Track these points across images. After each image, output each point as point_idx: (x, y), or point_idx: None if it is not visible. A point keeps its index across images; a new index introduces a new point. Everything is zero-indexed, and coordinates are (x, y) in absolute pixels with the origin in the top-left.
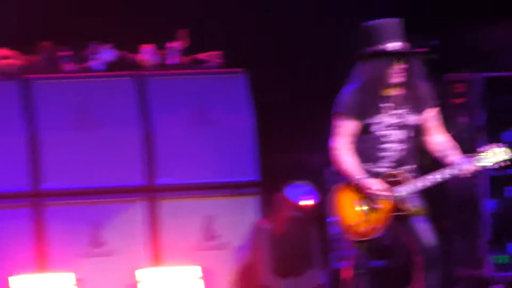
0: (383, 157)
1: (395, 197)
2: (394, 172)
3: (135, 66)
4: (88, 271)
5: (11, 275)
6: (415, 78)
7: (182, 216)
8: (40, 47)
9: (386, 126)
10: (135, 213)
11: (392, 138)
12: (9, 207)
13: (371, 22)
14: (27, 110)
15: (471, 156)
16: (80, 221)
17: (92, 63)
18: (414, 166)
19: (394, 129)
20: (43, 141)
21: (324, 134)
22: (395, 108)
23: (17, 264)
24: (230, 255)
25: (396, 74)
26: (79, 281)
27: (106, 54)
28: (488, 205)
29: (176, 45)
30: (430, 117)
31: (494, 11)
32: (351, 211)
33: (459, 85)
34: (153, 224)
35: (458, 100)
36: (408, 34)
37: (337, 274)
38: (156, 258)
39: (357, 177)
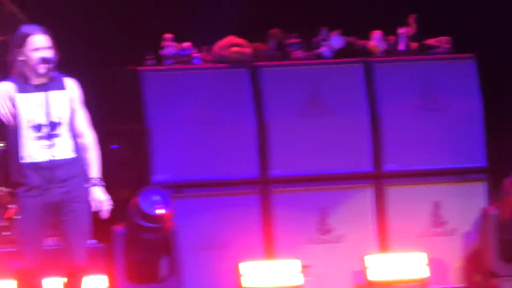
0: None
1: None
2: None
3: (363, 52)
4: (314, 258)
5: (241, 261)
6: None
7: (410, 202)
8: (269, 35)
9: None
10: (363, 199)
11: None
12: (238, 194)
13: None
14: (256, 97)
15: None
16: (308, 208)
17: (321, 50)
18: None
19: None
20: (271, 128)
21: None
22: None
23: (247, 250)
24: (457, 241)
25: None
26: (305, 267)
27: (335, 40)
28: None
29: (405, 31)
30: None
31: None
32: None
33: None
34: (381, 211)
35: None
36: None
37: None
38: (383, 244)
39: None
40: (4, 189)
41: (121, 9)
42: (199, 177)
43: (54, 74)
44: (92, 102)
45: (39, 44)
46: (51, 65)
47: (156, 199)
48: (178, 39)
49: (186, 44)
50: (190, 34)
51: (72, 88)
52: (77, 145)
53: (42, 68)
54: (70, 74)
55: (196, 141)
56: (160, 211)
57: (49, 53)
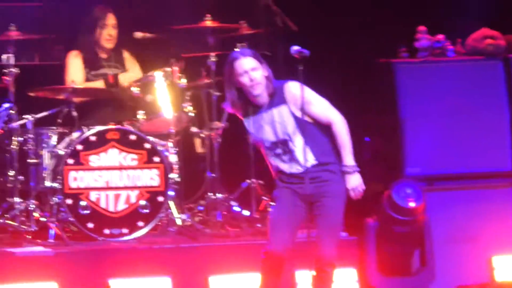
0: None
1: None
2: None
3: None
4: None
5: (493, 254)
6: None
7: None
8: None
9: None
10: None
11: None
12: (491, 187)
13: None
14: (510, 90)
15: None
16: None
17: None
18: None
19: None
20: None
21: None
22: None
23: (499, 243)
24: None
25: None
26: None
27: None
28: None
29: None
30: None
31: None
32: None
33: None
34: None
35: None
36: None
37: None
38: None
39: None
40: (257, 181)
41: (376, 2)
42: (451, 170)
43: (276, 85)
44: (346, 95)
45: (244, 68)
46: (264, 84)
47: (409, 192)
48: (432, 31)
49: (440, 36)
50: (443, 26)
51: (293, 94)
52: (319, 150)
53: (254, 90)
54: (323, 69)
55: (448, 133)
56: (412, 204)
57: (256, 74)
